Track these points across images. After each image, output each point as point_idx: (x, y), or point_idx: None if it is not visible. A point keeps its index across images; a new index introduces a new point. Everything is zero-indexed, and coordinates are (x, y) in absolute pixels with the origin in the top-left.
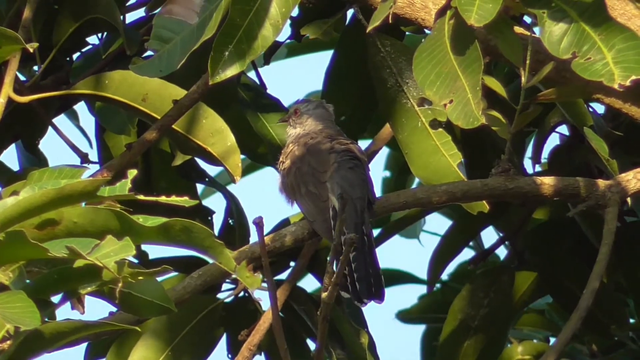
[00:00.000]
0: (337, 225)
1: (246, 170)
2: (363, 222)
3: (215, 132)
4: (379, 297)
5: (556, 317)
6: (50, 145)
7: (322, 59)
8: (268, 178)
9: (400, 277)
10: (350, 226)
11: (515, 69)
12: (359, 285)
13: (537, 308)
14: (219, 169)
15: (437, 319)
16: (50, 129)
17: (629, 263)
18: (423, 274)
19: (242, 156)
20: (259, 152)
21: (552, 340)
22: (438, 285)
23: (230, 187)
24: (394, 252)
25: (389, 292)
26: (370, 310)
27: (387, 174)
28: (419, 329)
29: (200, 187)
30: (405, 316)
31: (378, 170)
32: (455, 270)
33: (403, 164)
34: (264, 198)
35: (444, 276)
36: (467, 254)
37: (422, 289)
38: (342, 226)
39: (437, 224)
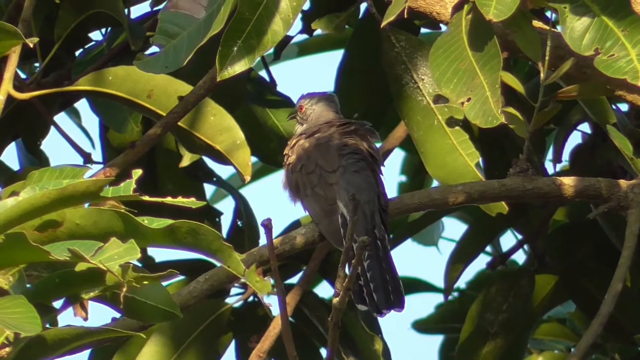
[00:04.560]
0: (349, 227)
1: (256, 175)
2: (374, 226)
3: (223, 129)
4: (399, 305)
5: (578, 327)
6: (52, 145)
7: (335, 58)
8: (279, 183)
9: (417, 286)
10: (361, 232)
11: (534, 65)
12: (376, 295)
13: (559, 317)
14: (229, 174)
15: (455, 329)
16: (52, 128)
17: None
18: (441, 283)
19: (254, 159)
20: (269, 148)
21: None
22: (456, 294)
23: (240, 192)
24: (412, 260)
25: (406, 300)
26: (386, 320)
27: (403, 178)
28: (437, 340)
29: (209, 193)
30: (422, 326)
31: (394, 175)
32: (473, 278)
33: (418, 167)
34: (275, 203)
35: (462, 285)
36: (486, 261)
37: (440, 298)
38: (354, 229)
39: (457, 231)
